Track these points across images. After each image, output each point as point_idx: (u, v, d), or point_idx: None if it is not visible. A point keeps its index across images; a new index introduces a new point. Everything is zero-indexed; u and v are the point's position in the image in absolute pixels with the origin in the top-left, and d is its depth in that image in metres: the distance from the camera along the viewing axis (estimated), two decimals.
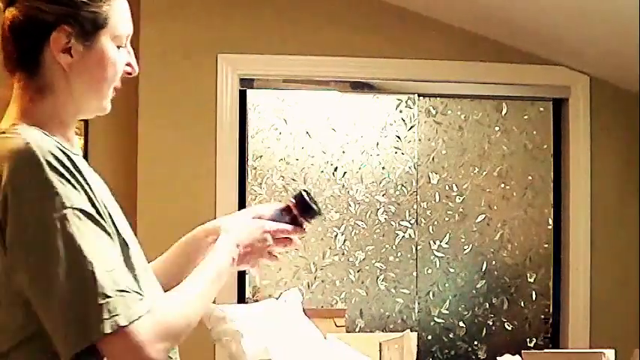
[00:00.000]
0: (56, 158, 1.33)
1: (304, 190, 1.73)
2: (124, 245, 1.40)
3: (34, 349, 1.34)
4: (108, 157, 4.03)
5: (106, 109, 1.52)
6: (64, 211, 1.30)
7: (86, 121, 4.04)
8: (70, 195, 1.32)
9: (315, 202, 1.73)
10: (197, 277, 1.47)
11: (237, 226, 1.65)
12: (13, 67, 1.46)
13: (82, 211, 1.32)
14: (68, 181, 1.33)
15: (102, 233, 1.34)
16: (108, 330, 1.28)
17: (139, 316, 1.30)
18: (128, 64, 1.52)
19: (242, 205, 4.08)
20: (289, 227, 1.70)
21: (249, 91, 4.16)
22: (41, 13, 1.42)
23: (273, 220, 1.70)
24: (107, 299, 1.28)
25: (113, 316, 1.28)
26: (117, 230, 1.40)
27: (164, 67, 4.05)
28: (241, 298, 4.10)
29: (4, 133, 1.39)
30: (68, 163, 1.34)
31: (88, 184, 1.36)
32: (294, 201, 1.71)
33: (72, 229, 1.30)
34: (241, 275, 4.11)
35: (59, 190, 1.31)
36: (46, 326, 1.31)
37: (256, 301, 3.96)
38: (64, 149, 1.37)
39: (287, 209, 1.72)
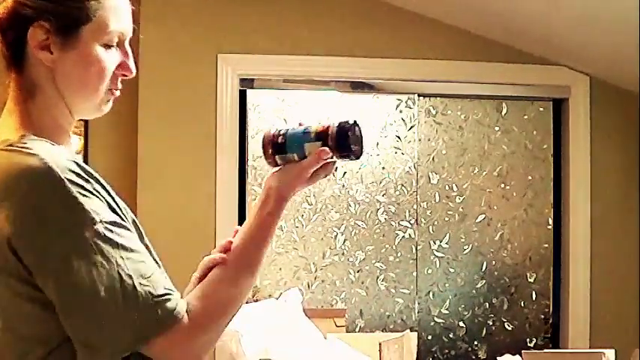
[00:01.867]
0: (75, 173, 1.31)
1: (355, 122, 1.45)
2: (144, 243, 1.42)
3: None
4: (108, 157, 4.03)
5: (102, 111, 1.48)
6: (96, 227, 1.30)
7: (86, 121, 4.04)
8: (97, 209, 1.31)
9: (360, 140, 1.45)
10: (236, 263, 1.45)
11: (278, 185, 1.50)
12: (7, 65, 1.44)
13: (112, 223, 1.32)
14: (93, 194, 1.32)
15: (133, 240, 1.34)
16: (155, 332, 1.30)
17: (183, 314, 1.32)
18: (122, 66, 1.47)
19: (242, 204, 4.08)
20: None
21: (249, 91, 4.16)
22: (22, 8, 1.39)
23: (285, 144, 1.47)
24: (152, 304, 1.30)
25: (160, 318, 1.30)
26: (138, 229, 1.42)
27: (164, 67, 4.05)
28: None
29: (11, 145, 1.35)
30: (85, 175, 1.33)
31: (107, 190, 1.36)
32: (334, 129, 1.44)
33: (105, 242, 1.30)
34: None
35: (86, 207, 1.30)
36: (83, 342, 1.30)
37: (256, 301, 3.96)
38: (76, 161, 1.35)
39: (322, 134, 1.44)
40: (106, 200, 1.34)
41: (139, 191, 3.99)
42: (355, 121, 1.45)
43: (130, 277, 1.30)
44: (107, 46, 1.43)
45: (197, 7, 4.13)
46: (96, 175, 1.36)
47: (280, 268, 4.15)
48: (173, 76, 4.07)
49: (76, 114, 1.47)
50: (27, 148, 1.33)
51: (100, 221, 1.30)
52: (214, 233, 3.93)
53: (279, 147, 1.49)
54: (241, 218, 4.05)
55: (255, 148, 4.14)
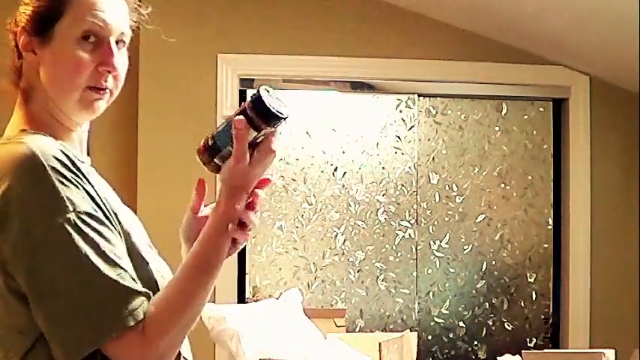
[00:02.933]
0: (60, 162, 1.32)
1: (264, 88, 1.37)
2: (128, 239, 1.40)
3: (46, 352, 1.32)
4: (108, 158, 4.03)
5: (87, 109, 1.44)
6: (69, 215, 1.30)
7: None
8: (75, 198, 1.31)
9: (279, 101, 1.38)
10: (191, 265, 1.38)
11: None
12: (15, 72, 1.49)
13: (86, 213, 1.31)
14: (73, 184, 1.32)
15: (107, 235, 1.33)
16: (116, 332, 1.27)
17: (143, 316, 1.30)
18: (103, 62, 1.42)
19: None
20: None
21: (249, 91, 4.16)
22: (19, 14, 1.46)
23: (215, 143, 1.43)
24: (113, 302, 1.28)
25: (120, 318, 1.28)
26: (122, 226, 1.39)
27: (164, 67, 4.05)
28: (241, 298, 4.10)
29: (9, 139, 1.39)
30: (72, 166, 1.34)
31: (92, 185, 1.36)
32: (250, 105, 1.35)
33: (77, 232, 1.29)
34: (241, 275, 4.11)
35: (63, 195, 1.30)
36: (45, 331, 1.30)
37: (256, 301, 3.96)
38: (67, 152, 1.36)
39: (240, 113, 1.35)
40: (87, 192, 1.34)
41: (139, 191, 3.99)
42: (264, 87, 1.38)
43: (95, 272, 1.28)
44: (85, 42, 1.41)
45: (197, 7, 4.13)
46: (85, 170, 1.37)
47: (280, 268, 4.15)
48: (173, 76, 4.07)
49: (67, 114, 1.46)
50: (20, 139, 1.36)
51: (74, 210, 1.30)
52: None
53: (212, 149, 1.44)
54: None
55: None
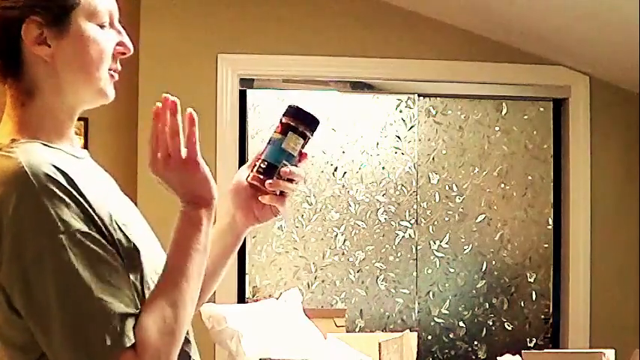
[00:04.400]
0: (52, 179, 1.28)
1: (290, 105, 1.51)
2: (134, 251, 1.36)
3: None
4: (108, 157, 4.03)
5: (106, 95, 1.45)
6: (60, 236, 1.26)
7: (86, 121, 4.04)
8: (66, 218, 1.27)
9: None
10: (173, 277, 1.35)
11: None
12: (2, 75, 1.41)
13: (79, 232, 1.28)
14: (64, 203, 1.28)
15: (100, 254, 1.29)
16: (110, 356, 1.25)
17: (132, 342, 1.27)
18: (119, 44, 1.43)
19: None
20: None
21: (249, 91, 4.16)
22: (6, 11, 1.37)
23: (268, 163, 1.49)
24: (103, 325, 1.25)
25: (108, 343, 1.25)
26: (125, 236, 1.35)
27: (164, 67, 4.05)
28: (241, 298, 4.10)
29: (0, 150, 1.34)
30: (65, 182, 1.30)
31: (86, 199, 1.31)
32: (290, 117, 1.49)
33: (67, 253, 1.26)
34: (241, 275, 4.11)
35: (54, 215, 1.27)
36: (46, 352, 1.29)
37: (256, 301, 3.96)
38: (60, 166, 1.32)
39: (284, 127, 1.48)
40: (80, 208, 1.30)
41: (139, 192, 3.98)
42: (290, 105, 1.50)
43: (87, 295, 1.26)
44: (100, 26, 1.41)
45: (197, 7, 4.13)
46: (79, 182, 1.32)
47: (280, 268, 4.15)
48: (173, 76, 4.06)
49: (80, 104, 1.44)
50: (11, 152, 1.32)
51: (66, 231, 1.26)
52: None
53: (267, 171, 1.49)
54: None
55: (255, 148, 4.14)
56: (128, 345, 1.26)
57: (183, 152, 1.38)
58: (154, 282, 1.37)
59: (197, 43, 4.10)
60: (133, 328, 1.27)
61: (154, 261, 1.42)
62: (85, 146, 4.04)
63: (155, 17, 4.04)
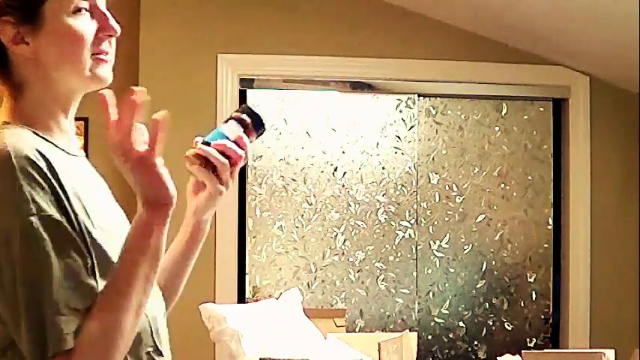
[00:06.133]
0: (31, 163, 1.28)
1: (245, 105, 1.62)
2: (100, 251, 1.35)
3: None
4: (108, 157, 4.03)
5: (98, 78, 1.42)
6: (31, 218, 1.26)
7: (86, 121, 4.04)
8: (40, 202, 1.27)
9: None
10: (124, 279, 1.33)
11: None
12: None
13: (50, 218, 1.27)
14: (40, 187, 1.28)
15: (67, 243, 1.29)
16: (57, 349, 1.24)
17: (72, 342, 1.25)
18: (103, 27, 1.41)
19: (242, 205, 4.08)
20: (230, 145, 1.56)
21: (249, 91, 4.17)
22: None
23: (206, 142, 1.59)
24: (59, 316, 1.24)
25: (62, 335, 1.24)
26: (94, 236, 1.34)
27: (164, 67, 4.05)
28: (241, 298, 4.10)
29: None
30: (44, 168, 1.30)
31: (63, 189, 1.32)
32: (243, 114, 1.59)
33: (35, 236, 1.26)
34: (241, 275, 4.11)
35: (28, 197, 1.26)
36: (13, 335, 1.28)
37: (256, 301, 3.96)
38: (45, 153, 1.32)
39: (235, 122, 1.59)
40: (56, 198, 1.30)
41: None
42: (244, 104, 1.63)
43: (47, 284, 1.25)
44: (79, 14, 1.39)
45: (197, 7, 4.13)
46: (61, 172, 1.32)
47: (280, 268, 4.15)
48: (173, 76, 4.07)
49: (75, 93, 1.44)
50: (1, 134, 1.33)
51: (37, 213, 1.26)
52: (214, 233, 3.93)
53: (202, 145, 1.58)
54: (241, 218, 4.05)
55: (255, 148, 4.14)
56: (69, 347, 1.25)
57: (141, 149, 1.39)
58: None
59: (197, 43, 4.10)
60: (72, 331, 1.26)
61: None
62: (85, 146, 4.04)
63: (155, 17, 4.03)
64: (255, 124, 1.58)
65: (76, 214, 1.32)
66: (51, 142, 1.40)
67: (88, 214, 1.35)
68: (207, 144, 1.58)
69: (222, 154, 1.56)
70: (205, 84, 4.08)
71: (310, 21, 4.18)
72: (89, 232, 1.34)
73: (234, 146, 1.56)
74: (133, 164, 1.39)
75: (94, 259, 1.32)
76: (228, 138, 1.57)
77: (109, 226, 1.41)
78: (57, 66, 1.39)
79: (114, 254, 1.35)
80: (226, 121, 1.59)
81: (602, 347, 2.81)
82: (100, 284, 1.31)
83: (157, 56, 4.03)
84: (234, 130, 1.58)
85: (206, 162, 1.58)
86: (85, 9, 1.39)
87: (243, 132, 1.57)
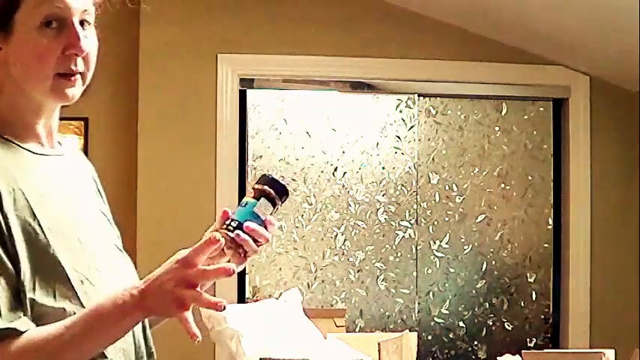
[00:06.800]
0: None
1: (264, 174, 1.59)
2: (49, 254, 1.34)
3: None
4: (108, 157, 4.03)
5: (61, 96, 1.40)
6: None
7: (86, 121, 4.04)
8: None
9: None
10: (68, 324, 1.31)
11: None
12: None
13: None
14: None
15: None
16: None
17: None
18: (70, 45, 1.37)
19: None
20: (256, 227, 1.49)
21: (249, 91, 4.16)
22: None
23: (238, 222, 1.49)
24: None
25: None
26: (46, 239, 1.33)
27: (164, 67, 4.05)
28: (241, 298, 4.10)
29: None
30: None
31: (1, 203, 1.31)
32: (265, 185, 1.55)
33: None
34: (241, 275, 4.11)
35: None
36: None
37: (256, 301, 3.96)
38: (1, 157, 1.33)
39: (258, 195, 1.54)
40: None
41: (139, 191, 3.99)
42: (264, 174, 1.59)
43: None
44: (47, 28, 1.36)
45: (197, 7, 4.13)
46: (2, 186, 1.32)
47: (280, 268, 4.15)
48: (173, 76, 4.07)
49: (42, 104, 1.42)
50: None
51: None
52: None
53: (236, 228, 1.50)
54: None
55: (255, 148, 4.15)
56: None
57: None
58: (75, 292, 1.35)
59: (197, 43, 4.10)
60: (7, 339, 1.25)
61: (81, 271, 1.38)
62: (85, 146, 4.04)
63: (155, 17, 4.03)
64: (281, 197, 1.57)
65: (9, 230, 1.30)
66: (19, 146, 1.40)
67: (35, 215, 1.34)
68: (239, 225, 1.49)
69: (253, 238, 1.50)
70: (205, 84, 4.08)
71: (310, 21, 4.18)
72: (34, 234, 1.33)
73: (264, 231, 1.52)
74: (180, 293, 1.30)
75: (36, 259, 1.32)
76: (259, 218, 1.52)
77: (64, 226, 1.39)
78: (22, 74, 1.38)
79: (63, 251, 1.35)
80: (256, 197, 1.53)
81: (602, 347, 2.80)
82: (37, 290, 1.31)
83: (157, 56, 4.03)
84: (264, 209, 1.54)
85: (236, 244, 1.50)
86: (57, 21, 1.36)
87: (272, 210, 1.55)
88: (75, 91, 1.40)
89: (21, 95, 1.40)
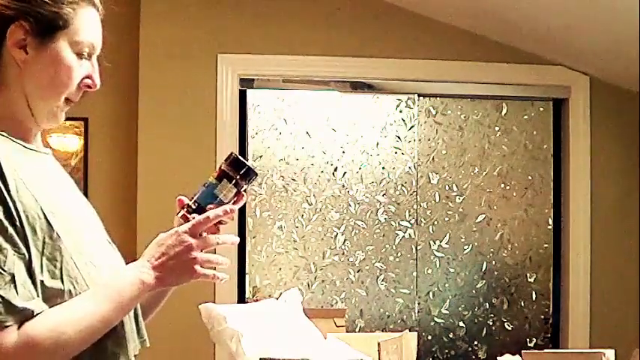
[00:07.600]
0: None
1: (231, 153, 1.60)
2: (53, 238, 1.38)
3: None
4: (108, 157, 4.03)
5: (56, 119, 1.51)
6: None
7: (86, 121, 4.04)
8: None
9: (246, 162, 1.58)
10: (84, 299, 1.40)
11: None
12: None
13: None
14: None
15: (5, 241, 1.32)
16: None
17: (7, 325, 1.30)
18: (89, 77, 1.51)
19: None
20: (220, 208, 1.54)
21: (249, 91, 4.17)
22: (4, 9, 1.44)
23: (199, 204, 1.56)
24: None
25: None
26: (49, 223, 1.38)
27: (164, 67, 4.05)
28: (241, 298, 4.10)
29: None
30: None
31: (6, 183, 1.35)
32: (228, 166, 1.56)
33: None
34: (241, 275, 4.11)
35: None
36: None
37: (256, 301, 3.96)
38: None
39: (220, 177, 1.56)
40: (2, 199, 1.34)
41: (139, 191, 3.99)
42: (231, 152, 1.59)
43: None
44: (78, 56, 1.48)
45: (197, 7, 4.13)
46: (4, 164, 1.36)
47: (280, 268, 4.15)
48: (173, 76, 4.07)
49: (35, 116, 1.49)
50: None
51: None
52: None
53: (196, 211, 1.57)
54: (241, 218, 4.05)
55: (255, 148, 4.15)
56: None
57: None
58: (80, 273, 1.40)
59: (197, 43, 4.10)
60: (24, 320, 1.30)
61: (84, 254, 1.44)
62: (85, 146, 4.04)
63: (155, 17, 4.03)
64: (246, 179, 1.58)
65: (23, 205, 1.36)
66: (13, 140, 1.45)
67: (37, 201, 1.39)
68: (202, 209, 1.57)
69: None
70: (205, 84, 4.08)
71: (310, 21, 4.18)
72: (37, 220, 1.37)
73: (226, 208, 1.57)
74: (188, 246, 1.55)
75: (43, 244, 1.36)
76: (222, 201, 1.56)
77: (63, 211, 1.44)
78: (36, 88, 1.46)
79: (66, 236, 1.40)
80: (218, 177, 1.56)
81: (602, 347, 2.80)
82: (45, 273, 1.36)
83: (157, 56, 4.03)
84: (227, 191, 1.57)
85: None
86: (85, 57, 1.49)
87: (235, 192, 1.57)
88: (63, 118, 1.53)
89: (22, 101, 1.46)
